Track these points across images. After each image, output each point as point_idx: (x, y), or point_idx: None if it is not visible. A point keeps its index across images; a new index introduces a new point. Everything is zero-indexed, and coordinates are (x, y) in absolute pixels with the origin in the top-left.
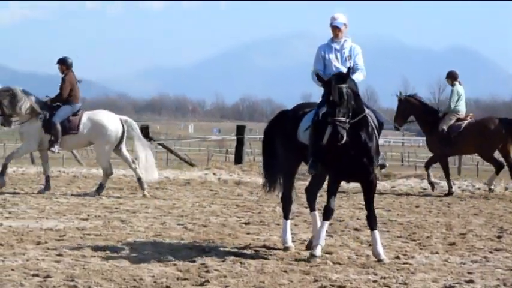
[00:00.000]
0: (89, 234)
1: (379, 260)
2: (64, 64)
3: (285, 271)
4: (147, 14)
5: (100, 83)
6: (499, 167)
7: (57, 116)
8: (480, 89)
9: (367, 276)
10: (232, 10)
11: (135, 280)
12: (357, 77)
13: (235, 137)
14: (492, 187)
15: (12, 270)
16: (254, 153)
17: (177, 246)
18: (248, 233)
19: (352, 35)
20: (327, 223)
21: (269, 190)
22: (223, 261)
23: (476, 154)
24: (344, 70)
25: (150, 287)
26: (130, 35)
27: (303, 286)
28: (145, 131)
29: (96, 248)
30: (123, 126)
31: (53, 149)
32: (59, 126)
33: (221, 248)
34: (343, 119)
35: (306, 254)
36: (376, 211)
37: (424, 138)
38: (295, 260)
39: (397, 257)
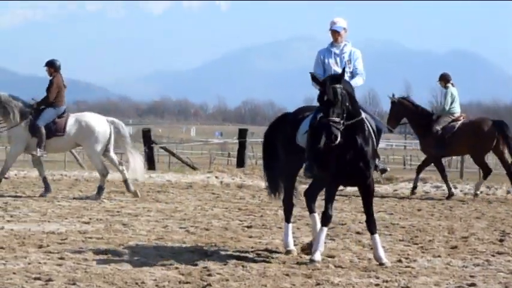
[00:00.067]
0: (90, 238)
1: (381, 264)
2: (52, 66)
3: (287, 274)
4: (148, 16)
5: (101, 86)
6: (486, 173)
7: (41, 119)
8: (481, 92)
9: (369, 280)
10: (234, 13)
11: (137, 283)
12: (357, 81)
13: (237, 141)
14: (478, 192)
15: (14, 273)
16: (256, 156)
17: (179, 250)
18: (250, 237)
19: (353, 39)
20: (325, 229)
21: (274, 195)
22: (225, 264)
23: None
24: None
25: None
26: (131, 37)
27: None
28: (147, 134)
29: (98, 252)
30: (110, 127)
31: (34, 152)
32: (43, 130)
33: (223, 252)
34: (337, 119)
35: (307, 257)
36: (378, 214)
37: None
38: (297, 263)
39: (399, 261)
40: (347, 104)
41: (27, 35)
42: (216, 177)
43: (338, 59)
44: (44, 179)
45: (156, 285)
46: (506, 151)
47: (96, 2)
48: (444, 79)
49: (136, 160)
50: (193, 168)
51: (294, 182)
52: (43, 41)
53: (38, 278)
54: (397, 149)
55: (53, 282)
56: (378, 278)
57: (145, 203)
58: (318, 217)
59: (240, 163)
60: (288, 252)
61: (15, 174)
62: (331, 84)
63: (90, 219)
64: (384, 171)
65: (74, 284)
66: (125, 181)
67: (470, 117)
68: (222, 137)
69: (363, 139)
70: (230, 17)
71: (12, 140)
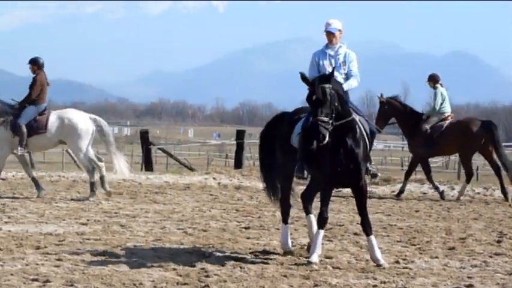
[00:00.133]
0: (88, 239)
1: (379, 265)
2: (36, 64)
3: (285, 276)
4: (146, 17)
5: (100, 87)
6: (470, 176)
7: (22, 117)
8: (479, 93)
9: (366, 281)
10: (231, 14)
11: (134, 285)
12: (351, 83)
13: (235, 142)
14: (461, 198)
15: (12, 274)
16: (254, 157)
17: (177, 251)
18: (248, 238)
19: (352, 40)
20: (322, 231)
21: (271, 196)
22: (223, 265)
23: (473, 158)
24: (338, 76)
25: None
26: (129, 39)
27: None
28: (145, 136)
29: (95, 253)
30: (92, 124)
31: (15, 151)
32: (24, 128)
33: (221, 253)
34: (326, 119)
35: (305, 258)
36: (375, 216)
37: None
38: (295, 264)
39: (397, 262)
40: (336, 104)
41: (26, 36)
42: (214, 178)
43: (333, 61)
44: (33, 179)
45: (154, 287)
46: (494, 152)
47: (94, 2)
48: (433, 79)
49: (120, 161)
50: (191, 169)
51: (291, 182)
52: (41, 42)
53: (36, 280)
54: (395, 150)
55: (50, 283)
56: (375, 279)
57: (143, 205)
58: (314, 218)
59: (238, 164)
60: (285, 253)
61: (13, 176)
62: (320, 84)
63: (87, 220)
64: (374, 176)
65: (71, 285)
66: (102, 177)
67: (461, 117)
68: (219, 138)
69: (353, 140)
70: (228, 18)
71: None
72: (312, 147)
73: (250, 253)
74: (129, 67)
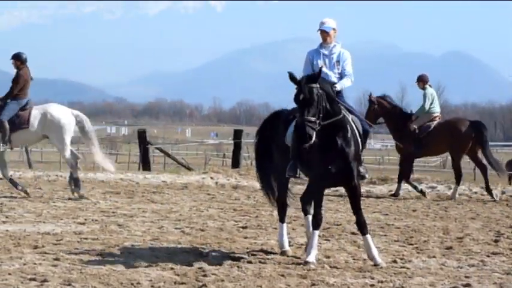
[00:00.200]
0: (86, 239)
1: (376, 264)
2: (19, 59)
3: (283, 275)
4: (143, 17)
5: (97, 87)
6: (459, 177)
7: (4, 113)
8: (477, 93)
9: (364, 280)
10: (229, 14)
11: (132, 284)
12: (344, 83)
13: (232, 141)
14: (456, 196)
15: (9, 274)
16: (251, 157)
17: (175, 251)
18: (245, 237)
19: (351, 41)
20: (317, 232)
21: (268, 194)
22: (220, 265)
23: (469, 158)
24: (332, 76)
25: None
26: (127, 39)
27: None
28: (142, 135)
29: (93, 252)
30: (75, 120)
31: None
32: (7, 124)
33: (218, 252)
34: (312, 119)
35: (303, 257)
36: (373, 215)
37: None
38: (293, 264)
39: (394, 261)
40: (324, 104)
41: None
42: (211, 178)
43: (327, 60)
44: (11, 180)
45: (152, 286)
46: (479, 152)
47: (93, 2)
48: (422, 80)
49: (103, 157)
50: (189, 169)
51: (288, 182)
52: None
53: (33, 279)
54: (392, 149)
55: (48, 282)
56: (372, 278)
57: (141, 204)
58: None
59: (235, 164)
60: (283, 253)
61: (11, 175)
62: (306, 84)
63: (85, 220)
64: (362, 177)
65: (69, 284)
66: (72, 180)
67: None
68: (217, 137)
69: (343, 139)
70: (226, 18)
71: None
72: (303, 146)
73: (247, 252)
74: (128, 67)
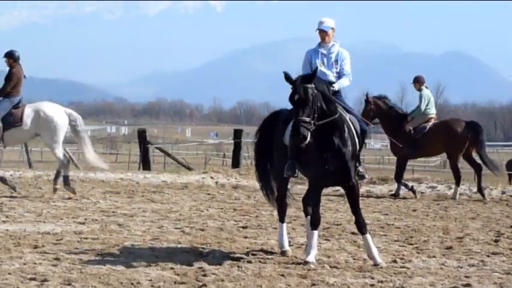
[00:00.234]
0: (86, 238)
1: (376, 264)
2: (11, 57)
3: (283, 275)
4: (143, 17)
5: (98, 87)
6: (458, 178)
7: None
8: (477, 93)
9: (364, 280)
10: (229, 14)
11: (132, 284)
12: (343, 82)
13: (232, 141)
14: (457, 197)
15: (9, 274)
16: (251, 157)
17: (175, 250)
18: (245, 237)
19: (351, 41)
20: (316, 232)
21: (267, 194)
22: (220, 265)
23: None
24: (330, 75)
25: None
26: (128, 39)
27: None
28: (142, 135)
29: (93, 252)
30: (68, 118)
31: None
32: (0, 123)
33: (218, 252)
34: (307, 119)
35: (303, 257)
36: (373, 215)
37: None
38: (293, 263)
39: (394, 261)
40: (319, 104)
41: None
42: (211, 177)
43: (325, 60)
44: (1, 179)
45: (152, 286)
46: (473, 152)
47: (93, 2)
48: (418, 81)
49: (97, 158)
50: (189, 168)
51: (287, 181)
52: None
53: (34, 279)
54: None
55: (48, 282)
56: (373, 278)
57: (141, 204)
58: None
59: (235, 163)
60: (283, 252)
61: (11, 175)
62: (301, 84)
63: (85, 219)
64: (362, 177)
65: (69, 284)
66: (59, 173)
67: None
68: (217, 137)
69: (340, 139)
70: (226, 18)
71: None
72: (301, 146)
73: (247, 252)
74: (128, 67)
